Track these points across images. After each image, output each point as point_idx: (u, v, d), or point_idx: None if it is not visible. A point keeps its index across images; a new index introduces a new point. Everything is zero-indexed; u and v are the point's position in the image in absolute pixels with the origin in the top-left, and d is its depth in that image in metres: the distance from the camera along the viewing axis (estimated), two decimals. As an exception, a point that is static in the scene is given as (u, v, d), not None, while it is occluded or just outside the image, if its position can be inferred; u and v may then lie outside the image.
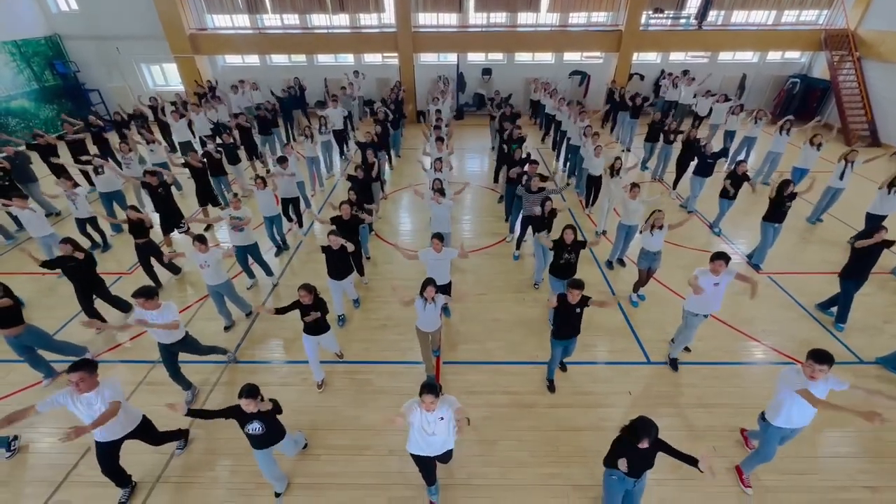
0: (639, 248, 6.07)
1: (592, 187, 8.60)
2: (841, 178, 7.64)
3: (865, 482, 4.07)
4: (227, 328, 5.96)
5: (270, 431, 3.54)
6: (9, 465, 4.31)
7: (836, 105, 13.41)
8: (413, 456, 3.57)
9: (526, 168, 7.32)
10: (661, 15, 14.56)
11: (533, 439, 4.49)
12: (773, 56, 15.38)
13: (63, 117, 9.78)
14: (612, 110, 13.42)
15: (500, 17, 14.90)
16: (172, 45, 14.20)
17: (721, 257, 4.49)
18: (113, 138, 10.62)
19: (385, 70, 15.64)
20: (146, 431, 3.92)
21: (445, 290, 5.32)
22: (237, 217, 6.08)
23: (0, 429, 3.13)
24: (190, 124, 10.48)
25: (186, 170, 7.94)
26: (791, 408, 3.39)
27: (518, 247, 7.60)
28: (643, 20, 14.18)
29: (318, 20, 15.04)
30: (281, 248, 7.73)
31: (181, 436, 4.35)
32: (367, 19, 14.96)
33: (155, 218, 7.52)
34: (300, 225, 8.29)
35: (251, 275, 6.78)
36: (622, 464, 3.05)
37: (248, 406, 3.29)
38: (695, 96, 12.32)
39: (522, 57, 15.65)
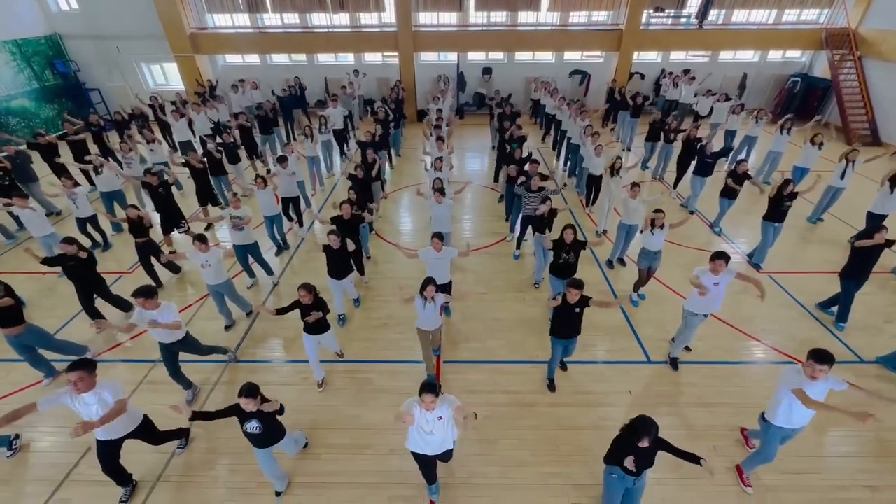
0: (639, 247, 6.08)
1: (593, 187, 8.60)
2: (842, 177, 7.63)
3: (866, 481, 4.07)
4: (227, 327, 5.96)
5: (268, 431, 3.54)
6: (10, 463, 4.32)
7: (836, 104, 13.41)
8: (413, 454, 3.57)
9: (527, 167, 7.31)
10: (661, 14, 14.54)
11: (533, 438, 4.49)
12: (774, 55, 15.35)
13: (65, 116, 9.79)
14: (612, 109, 13.41)
15: (500, 17, 14.88)
16: (173, 45, 14.20)
17: (721, 257, 4.49)
18: (113, 138, 10.63)
19: (385, 69, 15.64)
20: (147, 431, 3.93)
21: (446, 289, 5.33)
22: (237, 216, 6.08)
23: (6, 424, 3.14)
24: (190, 123, 10.49)
25: (186, 169, 7.94)
26: (791, 407, 3.39)
27: (518, 246, 7.60)
28: (644, 19, 14.16)
29: (319, 19, 15.03)
30: (281, 247, 7.73)
31: (182, 435, 4.36)
32: (368, 18, 14.95)
33: (155, 218, 7.53)
34: (300, 224, 8.29)
35: (252, 274, 6.79)
36: (629, 462, 3.04)
37: (248, 405, 3.30)
38: (695, 95, 12.30)
39: (523, 56, 15.63)
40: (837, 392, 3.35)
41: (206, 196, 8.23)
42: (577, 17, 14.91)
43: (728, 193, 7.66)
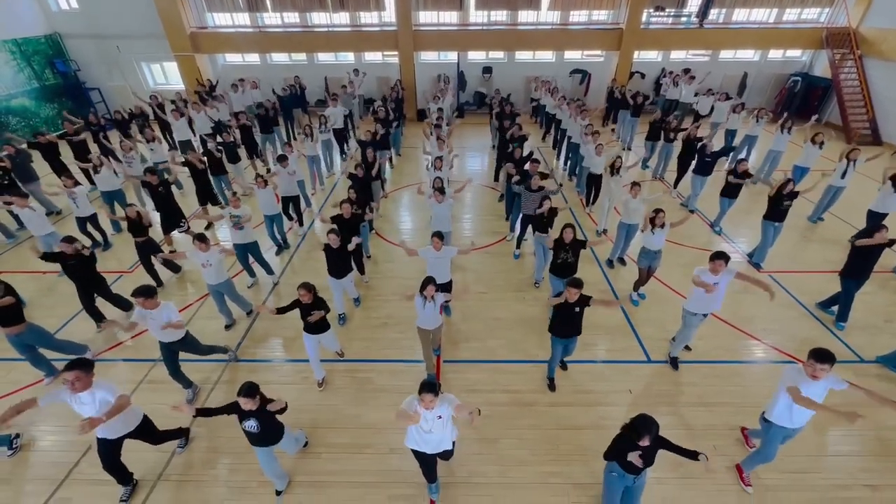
0: (639, 246, 6.07)
1: (593, 186, 8.59)
2: (843, 176, 7.62)
3: (866, 480, 4.08)
4: (227, 327, 5.96)
5: (266, 430, 3.53)
6: (10, 463, 4.32)
7: (837, 104, 13.39)
8: (413, 452, 3.57)
9: (527, 166, 7.31)
10: (662, 13, 14.53)
11: (533, 438, 4.49)
12: (775, 54, 15.33)
13: (65, 115, 9.78)
14: (612, 109, 13.39)
15: (500, 16, 14.86)
16: (173, 44, 14.19)
17: (721, 257, 4.49)
18: (113, 137, 10.62)
19: (385, 68, 15.62)
20: (147, 431, 3.93)
21: (446, 288, 5.33)
22: (237, 215, 6.09)
23: (9, 419, 3.14)
24: (190, 123, 10.48)
25: (186, 168, 7.94)
26: (791, 407, 3.39)
27: (518, 245, 7.59)
28: (644, 18, 14.14)
29: (319, 18, 15.01)
30: (281, 246, 7.73)
31: (182, 434, 4.36)
32: (368, 18, 14.94)
33: (155, 217, 7.52)
34: (301, 223, 8.29)
35: (252, 273, 6.79)
36: (634, 457, 3.03)
37: (246, 405, 3.30)
38: (696, 95, 12.30)
39: (523, 55, 15.62)
40: (838, 391, 3.35)
41: (206, 195, 8.23)
42: (578, 17, 14.90)
43: (728, 193, 7.65)
